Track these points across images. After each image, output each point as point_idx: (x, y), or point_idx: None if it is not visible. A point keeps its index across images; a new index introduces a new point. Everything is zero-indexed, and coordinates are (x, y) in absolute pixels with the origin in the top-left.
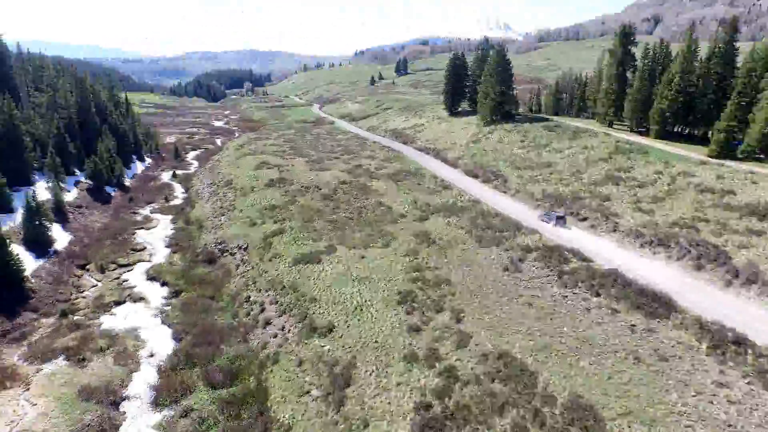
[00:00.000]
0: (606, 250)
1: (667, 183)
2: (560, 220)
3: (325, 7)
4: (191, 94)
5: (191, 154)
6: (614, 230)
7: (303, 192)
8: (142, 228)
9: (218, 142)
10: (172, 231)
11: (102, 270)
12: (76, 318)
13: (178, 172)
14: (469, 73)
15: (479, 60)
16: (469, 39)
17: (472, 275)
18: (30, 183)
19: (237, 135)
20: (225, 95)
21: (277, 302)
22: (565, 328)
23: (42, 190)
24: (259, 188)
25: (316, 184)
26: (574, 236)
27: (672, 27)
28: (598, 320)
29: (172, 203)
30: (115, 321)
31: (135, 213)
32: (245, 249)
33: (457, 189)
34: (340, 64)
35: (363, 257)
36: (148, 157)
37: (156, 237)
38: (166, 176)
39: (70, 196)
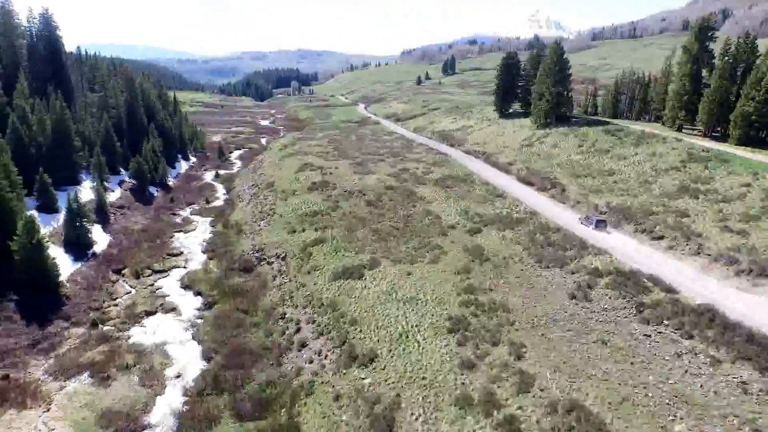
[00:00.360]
0: (690, 278)
1: (761, 198)
2: (600, 224)
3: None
4: (239, 93)
5: (235, 154)
6: (698, 253)
7: (346, 197)
8: (180, 231)
9: (263, 141)
10: (210, 235)
11: (137, 276)
12: (106, 328)
13: (221, 172)
14: (522, 72)
15: (534, 59)
16: (518, 37)
17: (532, 301)
18: (77, 182)
19: (282, 134)
20: (272, 94)
21: (314, 322)
22: (650, 377)
23: (87, 190)
24: (301, 192)
25: (360, 188)
26: (648, 258)
27: (744, 21)
28: (693, 371)
29: (212, 204)
30: (144, 333)
31: (175, 214)
32: (283, 258)
33: (510, 198)
34: (386, 64)
35: (409, 274)
36: (193, 155)
37: (193, 241)
38: (209, 176)
39: (114, 196)
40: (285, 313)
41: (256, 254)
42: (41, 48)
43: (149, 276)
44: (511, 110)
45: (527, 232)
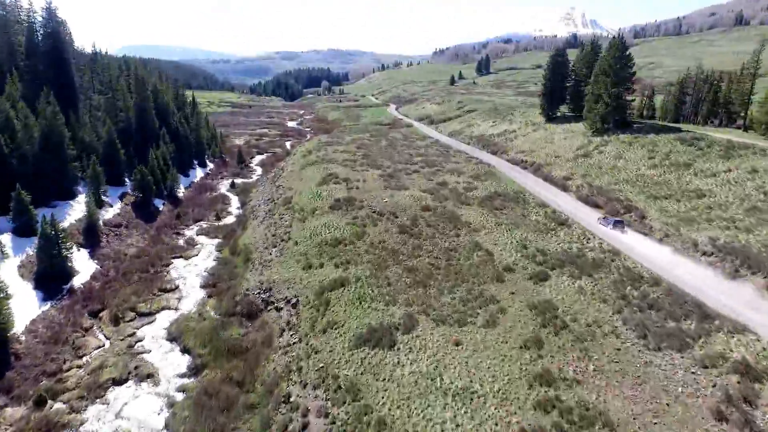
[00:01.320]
0: None
1: None
2: (618, 224)
3: (405, 6)
4: (269, 93)
5: (257, 159)
6: None
7: (374, 220)
8: (180, 256)
9: (288, 145)
10: (214, 262)
11: (116, 321)
12: (56, 407)
13: (238, 181)
14: (570, 71)
15: (586, 56)
16: (555, 35)
17: (647, 412)
18: (72, 196)
19: (308, 137)
20: (302, 94)
21: (327, 415)
22: None
23: (82, 206)
24: (322, 211)
25: (391, 209)
26: None
27: None
28: None
29: (223, 222)
30: (103, 417)
31: (179, 234)
32: (294, 305)
33: (577, 226)
34: (418, 63)
35: (458, 344)
36: (210, 161)
37: (193, 271)
38: (224, 186)
39: (111, 211)
40: (290, 395)
41: (263, 294)
42: (42, 46)
43: (131, 321)
44: (558, 114)
45: (612, 283)
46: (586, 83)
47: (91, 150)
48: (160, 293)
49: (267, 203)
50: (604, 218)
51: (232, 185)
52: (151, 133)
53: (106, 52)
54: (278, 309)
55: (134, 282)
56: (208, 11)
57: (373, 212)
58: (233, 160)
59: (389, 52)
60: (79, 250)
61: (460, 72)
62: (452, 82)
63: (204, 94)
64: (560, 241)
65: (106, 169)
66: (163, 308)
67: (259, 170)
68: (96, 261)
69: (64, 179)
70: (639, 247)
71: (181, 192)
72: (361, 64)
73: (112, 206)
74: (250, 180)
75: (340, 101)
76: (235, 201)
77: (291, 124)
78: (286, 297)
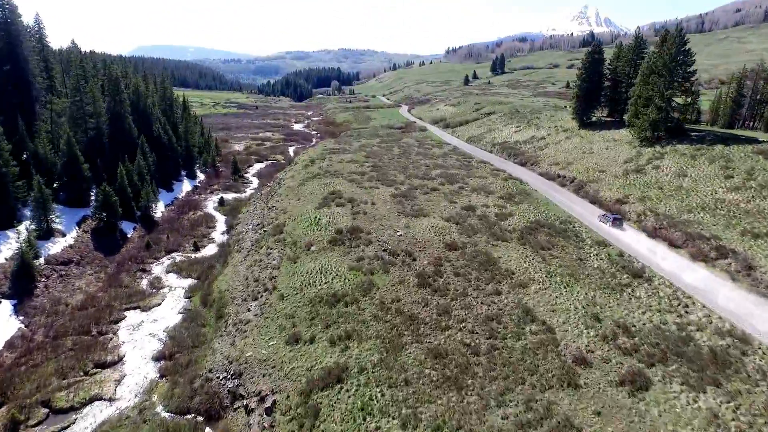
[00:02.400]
0: None
1: None
2: (617, 221)
3: (417, 5)
4: (278, 93)
5: (255, 168)
6: None
7: (385, 264)
8: (138, 307)
9: (291, 151)
10: (179, 317)
11: (15, 426)
12: None
13: (229, 196)
14: (606, 70)
15: (629, 52)
16: (572, 34)
17: None
18: (11, 223)
19: (314, 142)
20: (311, 94)
21: None
22: None
23: (25, 236)
24: (320, 247)
25: (407, 246)
26: None
27: None
28: None
29: (202, 252)
30: None
31: (145, 270)
32: (270, 410)
33: (660, 280)
34: (431, 62)
35: None
36: (202, 172)
37: (149, 331)
38: (212, 202)
39: (62, 242)
40: None
41: (231, 381)
42: None
43: (40, 424)
44: (593, 118)
45: (765, 406)
46: (628, 84)
47: (48, 165)
48: (95, 370)
49: (255, 230)
50: (603, 215)
51: (221, 202)
52: (127, 142)
53: (95, 53)
54: (248, 410)
55: (66, 351)
56: (226, 12)
57: (384, 251)
58: (228, 170)
59: (401, 51)
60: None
61: (475, 72)
62: (466, 81)
63: (211, 95)
64: (644, 307)
65: (67, 188)
66: (92, 399)
67: (255, 182)
68: (22, 317)
69: (4, 203)
70: (763, 314)
71: (159, 212)
72: (372, 64)
73: (65, 235)
74: (244, 195)
75: (350, 102)
76: (221, 222)
77: (297, 126)
78: (260, 392)
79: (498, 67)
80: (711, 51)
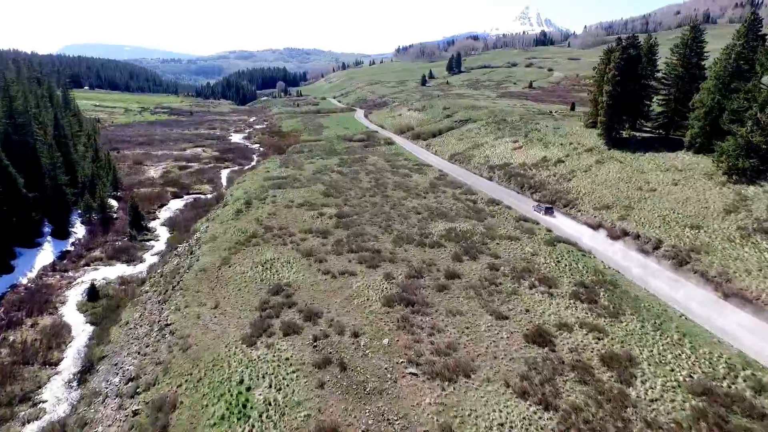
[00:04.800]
0: None
1: None
2: (549, 210)
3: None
4: (218, 96)
5: (171, 207)
6: None
7: None
8: None
9: (223, 177)
10: None
11: None
12: None
13: (114, 273)
14: (644, 72)
15: (685, 47)
16: (524, 33)
17: None
18: None
19: (255, 161)
20: (255, 96)
21: None
22: None
23: None
24: None
25: None
26: None
27: None
28: None
29: None
30: None
31: None
32: None
33: None
34: (381, 61)
35: None
36: (84, 222)
37: None
38: (81, 290)
39: None
40: None
41: None
42: None
43: None
44: (623, 133)
45: None
46: (680, 89)
47: None
48: None
49: (122, 398)
50: (537, 206)
51: (91, 294)
52: None
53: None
54: None
55: None
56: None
57: None
58: (126, 217)
59: (348, 50)
60: None
61: (431, 71)
62: (424, 82)
63: (141, 98)
64: None
65: None
66: None
67: (163, 237)
68: None
69: None
70: None
71: None
72: (319, 64)
73: None
74: (139, 268)
75: (298, 105)
76: (76, 348)
77: (236, 137)
78: None
79: (455, 66)
80: (667, 52)
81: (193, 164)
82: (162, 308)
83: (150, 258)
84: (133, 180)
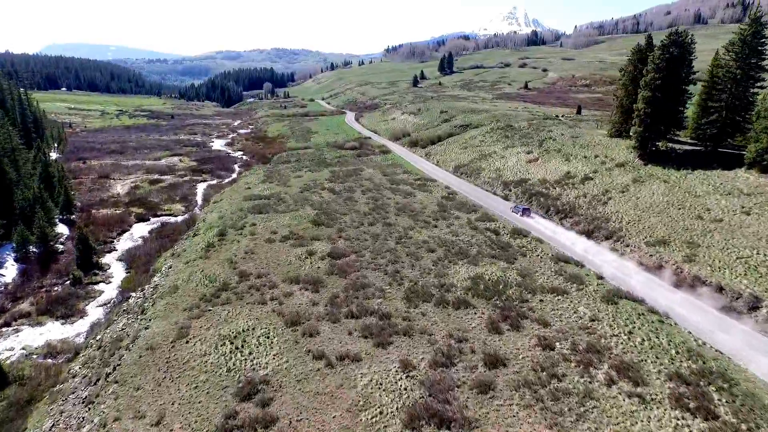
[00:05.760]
0: None
1: None
2: (526, 211)
3: (351, 4)
4: (203, 97)
5: (132, 234)
6: None
7: None
8: None
9: (199, 192)
10: None
11: None
12: None
13: (42, 336)
14: (691, 75)
15: (742, 44)
16: (515, 32)
17: None
18: None
19: (236, 172)
20: (242, 98)
21: None
22: None
23: None
24: None
25: None
26: None
27: None
28: None
29: None
30: None
31: None
32: None
33: None
34: (371, 62)
35: None
36: (19, 257)
37: None
38: None
39: None
40: None
41: None
42: None
43: None
44: (659, 145)
45: None
46: (733, 94)
47: None
48: None
49: None
50: (515, 207)
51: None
52: None
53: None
54: None
55: None
56: (152, 10)
57: None
58: (75, 250)
59: (336, 51)
60: None
61: (422, 72)
62: (415, 83)
63: (121, 100)
64: None
65: None
66: None
67: (114, 281)
68: None
69: None
70: None
71: None
72: (307, 64)
73: None
74: (74, 329)
75: (285, 107)
76: None
77: (218, 144)
78: None
79: (446, 66)
80: None
81: (166, 177)
82: (84, 418)
83: (94, 311)
84: (94, 198)
